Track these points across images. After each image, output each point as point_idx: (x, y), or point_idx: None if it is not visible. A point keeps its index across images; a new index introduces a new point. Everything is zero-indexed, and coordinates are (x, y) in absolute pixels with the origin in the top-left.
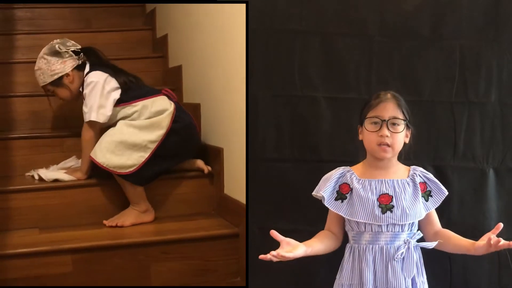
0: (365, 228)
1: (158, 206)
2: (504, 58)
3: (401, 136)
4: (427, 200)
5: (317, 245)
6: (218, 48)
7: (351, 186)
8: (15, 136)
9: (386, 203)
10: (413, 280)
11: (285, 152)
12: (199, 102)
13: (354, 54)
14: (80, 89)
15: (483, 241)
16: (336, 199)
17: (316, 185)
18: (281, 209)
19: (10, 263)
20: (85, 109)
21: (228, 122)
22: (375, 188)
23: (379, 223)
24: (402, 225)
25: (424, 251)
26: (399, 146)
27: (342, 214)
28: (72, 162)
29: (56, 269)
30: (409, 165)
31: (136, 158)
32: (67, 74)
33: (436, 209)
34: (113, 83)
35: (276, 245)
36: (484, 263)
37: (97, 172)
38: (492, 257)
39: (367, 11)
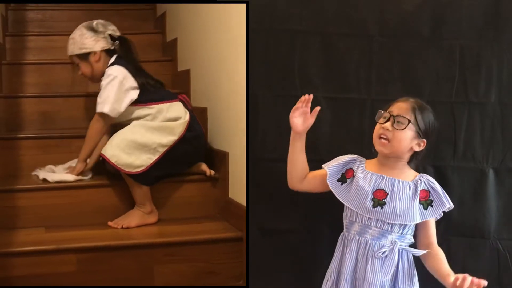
0: (356, 218)
1: (163, 208)
2: (504, 58)
3: (402, 135)
4: (425, 209)
5: (298, 147)
6: (223, 52)
7: (354, 173)
8: (24, 136)
9: (379, 198)
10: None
11: (285, 152)
12: (206, 106)
13: (354, 54)
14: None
15: (451, 278)
16: (338, 180)
17: None
18: (281, 209)
19: (16, 261)
20: (99, 99)
21: (233, 127)
22: (375, 182)
23: (367, 215)
24: (392, 224)
25: None
26: (399, 145)
27: (336, 195)
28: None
29: (61, 268)
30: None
31: (145, 159)
32: (94, 52)
33: None
34: (131, 82)
35: (275, 246)
36: (484, 263)
37: (104, 171)
38: (492, 257)
39: (367, 11)
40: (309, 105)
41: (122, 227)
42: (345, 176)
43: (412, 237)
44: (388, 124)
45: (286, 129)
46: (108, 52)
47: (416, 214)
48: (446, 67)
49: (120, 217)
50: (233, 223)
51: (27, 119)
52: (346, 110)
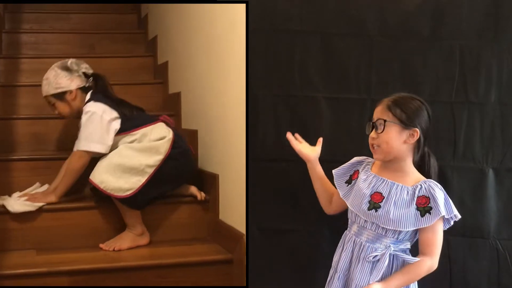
0: (355, 219)
1: (154, 231)
2: (504, 58)
3: (386, 136)
4: (422, 215)
5: (319, 174)
6: (214, 77)
7: (359, 175)
8: (16, 158)
9: (375, 201)
10: None
11: (285, 152)
12: (197, 128)
13: (354, 54)
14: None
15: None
16: (345, 182)
17: None
18: (281, 209)
19: (7, 284)
20: (81, 136)
21: (223, 149)
22: (374, 184)
23: (363, 217)
24: (386, 229)
25: None
26: (387, 146)
27: (340, 195)
28: (37, 189)
29: None
30: None
31: (134, 182)
32: (70, 91)
33: None
34: (112, 113)
35: (275, 246)
36: (484, 263)
37: (95, 194)
38: (492, 257)
39: (367, 11)
40: (300, 140)
41: (113, 250)
42: (351, 178)
43: (409, 243)
44: (372, 133)
45: (286, 129)
46: (83, 90)
47: (410, 221)
48: (446, 67)
49: (112, 239)
50: (224, 245)
51: (20, 141)
52: (346, 110)
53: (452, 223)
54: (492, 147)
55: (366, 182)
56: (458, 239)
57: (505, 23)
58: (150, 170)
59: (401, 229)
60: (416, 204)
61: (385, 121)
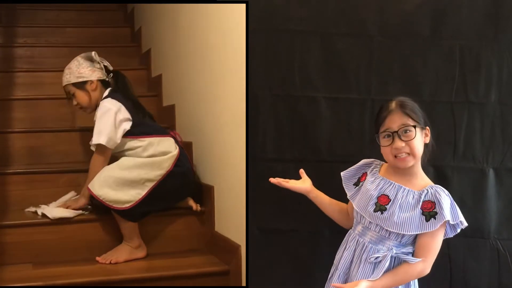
0: (360, 219)
1: (151, 243)
2: (504, 58)
3: (416, 141)
4: (427, 220)
5: (324, 198)
6: (209, 88)
7: (367, 177)
8: (12, 171)
9: (381, 204)
10: None
11: (285, 152)
12: (191, 140)
13: (354, 54)
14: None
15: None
16: (353, 184)
17: (316, 185)
18: (281, 209)
19: None
20: (95, 131)
21: (219, 161)
22: (382, 187)
23: (368, 219)
24: (390, 231)
25: None
26: (418, 151)
27: (348, 196)
28: (69, 196)
29: None
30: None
31: (133, 195)
32: (91, 81)
33: None
34: (125, 114)
35: (275, 245)
36: (484, 263)
37: (93, 206)
38: (492, 257)
39: (367, 11)
40: (286, 180)
41: (110, 263)
42: (360, 180)
43: (411, 247)
44: (398, 143)
45: (286, 129)
46: (103, 84)
47: (414, 225)
48: (446, 67)
49: (108, 252)
50: (220, 257)
51: (15, 154)
52: (346, 110)
53: (458, 230)
54: (492, 147)
55: (373, 184)
56: (458, 239)
57: (505, 23)
58: (150, 185)
59: (404, 233)
60: (421, 209)
61: (414, 126)
